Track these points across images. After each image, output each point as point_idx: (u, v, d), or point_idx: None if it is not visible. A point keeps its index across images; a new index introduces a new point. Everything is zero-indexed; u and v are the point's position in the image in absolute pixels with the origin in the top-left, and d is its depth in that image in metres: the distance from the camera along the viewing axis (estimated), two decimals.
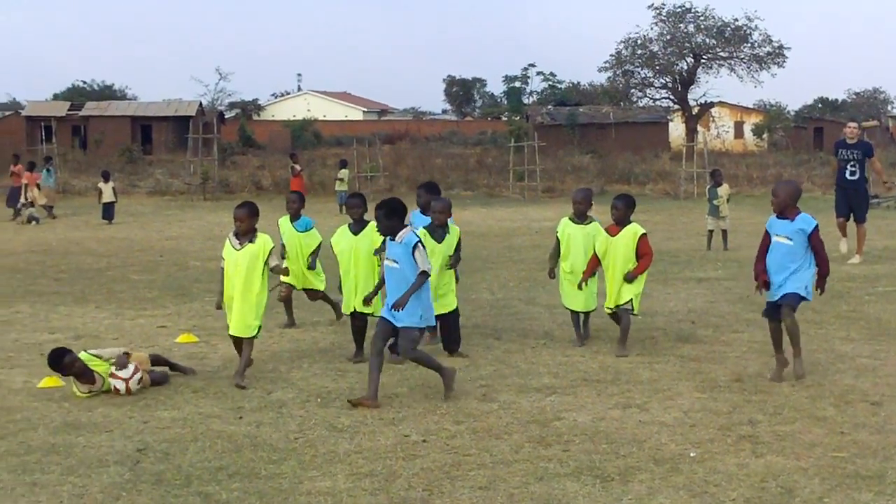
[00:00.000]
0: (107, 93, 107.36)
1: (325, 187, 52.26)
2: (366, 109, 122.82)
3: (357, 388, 12.11)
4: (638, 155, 68.56)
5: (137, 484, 9.20)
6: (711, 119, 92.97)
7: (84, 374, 12.40)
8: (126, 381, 12.37)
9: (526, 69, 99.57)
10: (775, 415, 11.10)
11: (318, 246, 16.75)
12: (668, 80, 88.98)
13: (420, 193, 15.41)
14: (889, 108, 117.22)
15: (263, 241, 12.91)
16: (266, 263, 12.79)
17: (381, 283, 12.62)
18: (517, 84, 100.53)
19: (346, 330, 14.86)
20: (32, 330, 16.68)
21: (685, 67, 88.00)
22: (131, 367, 12.49)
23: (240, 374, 12.81)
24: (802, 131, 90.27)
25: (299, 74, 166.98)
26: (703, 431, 10.54)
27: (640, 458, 9.72)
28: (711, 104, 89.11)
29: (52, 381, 12.89)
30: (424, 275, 11.81)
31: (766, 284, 12.46)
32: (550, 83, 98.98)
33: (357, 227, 14.07)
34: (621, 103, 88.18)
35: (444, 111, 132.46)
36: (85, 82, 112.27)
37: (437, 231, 14.41)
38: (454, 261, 14.52)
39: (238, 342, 13.04)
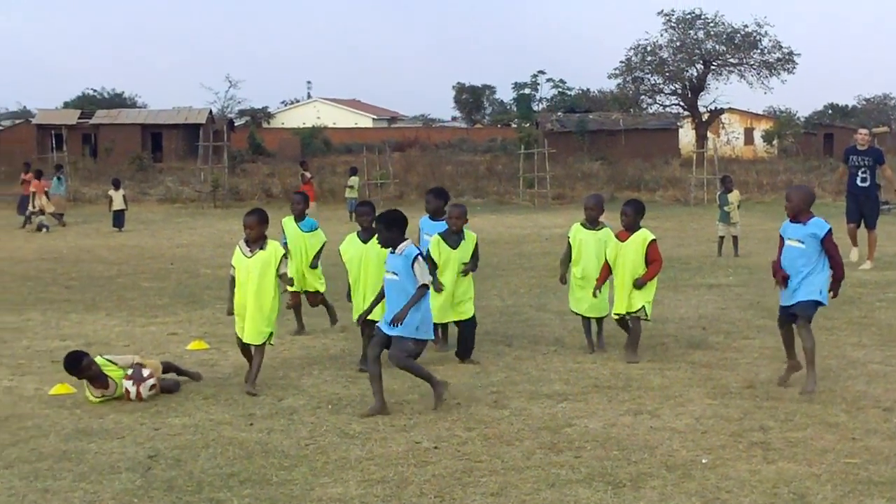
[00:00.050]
0: (117, 101, 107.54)
1: (335, 195, 52.27)
2: (375, 117, 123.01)
3: (368, 395, 12.07)
4: (648, 161, 68.59)
5: (149, 490, 9.20)
6: (721, 125, 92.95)
7: (98, 379, 12.43)
8: (140, 383, 12.38)
9: (535, 76, 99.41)
10: (787, 421, 11.08)
11: (322, 246, 16.86)
12: (677, 86, 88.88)
13: (429, 199, 15.41)
14: None
15: (274, 248, 12.92)
16: (277, 270, 12.79)
17: (381, 296, 12.51)
18: (527, 91, 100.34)
19: (357, 337, 14.87)
20: (44, 337, 16.69)
21: (695, 74, 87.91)
22: (146, 372, 12.52)
23: (251, 381, 12.81)
24: (812, 137, 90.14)
25: (309, 82, 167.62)
26: (715, 438, 10.52)
27: (652, 464, 9.71)
28: (721, 110, 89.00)
29: (63, 388, 12.91)
30: (424, 288, 11.74)
31: (785, 280, 12.35)
32: (560, 90, 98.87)
33: (366, 235, 14.03)
34: (631, 110, 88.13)
35: (454, 118, 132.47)
36: (95, 90, 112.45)
37: (452, 237, 14.41)
38: (469, 267, 14.49)
39: (246, 350, 13.03)
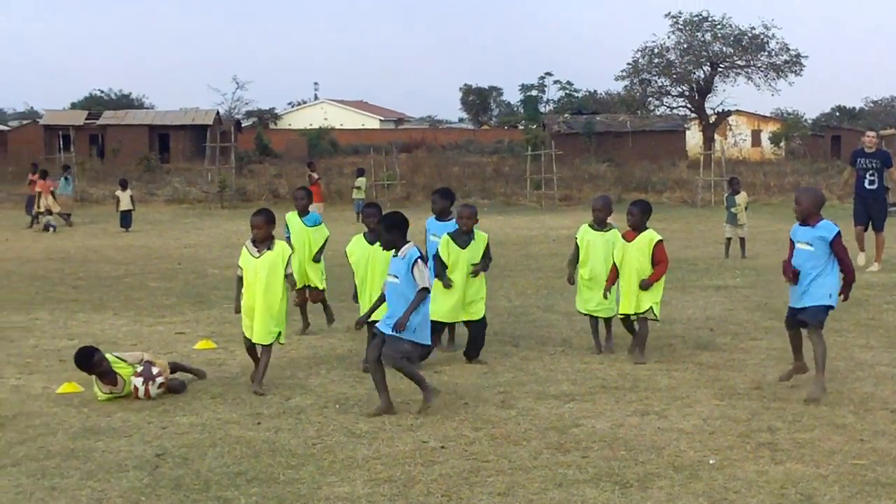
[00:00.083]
0: (124, 102, 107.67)
1: (342, 196, 52.29)
2: (382, 118, 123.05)
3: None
4: (655, 163, 68.61)
5: (157, 489, 9.21)
6: (728, 127, 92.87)
7: (108, 375, 12.47)
8: (150, 380, 12.40)
9: (542, 78, 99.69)
10: (794, 422, 11.07)
11: (326, 241, 17.00)
12: (685, 88, 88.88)
13: (435, 200, 15.39)
14: None
15: (282, 248, 12.92)
16: (285, 269, 12.78)
17: (381, 300, 12.46)
18: (534, 93, 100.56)
19: (363, 337, 14.85)
20: (51, 336, 16.71)
21: (702, 76, 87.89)
22: (156, 370, 12.54)
23: (258, 380, 12.81)
24: (820, 139, 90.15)
25: (316, 83, 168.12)
26: (723, 439, 10.52)
27: (659, 464, 9.70)
28: (728, 112, 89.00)
29: (70, 386, 12.93)
30: (424, 292, 11.71)
31: (796, 276, 12.29)
32: (567, 92, 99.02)
33: (373, 236, 14.01)
34: (638, 112, 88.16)
35: (461, 120, 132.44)
36: (102, 91, 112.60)
37: (462, 237, 14.40)
38: (479, 267, 14.46)
39: (252, 350, 13.01)
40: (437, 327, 14.46)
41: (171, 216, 47.12)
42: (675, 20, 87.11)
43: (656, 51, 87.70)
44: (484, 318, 14.57)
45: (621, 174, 62.39)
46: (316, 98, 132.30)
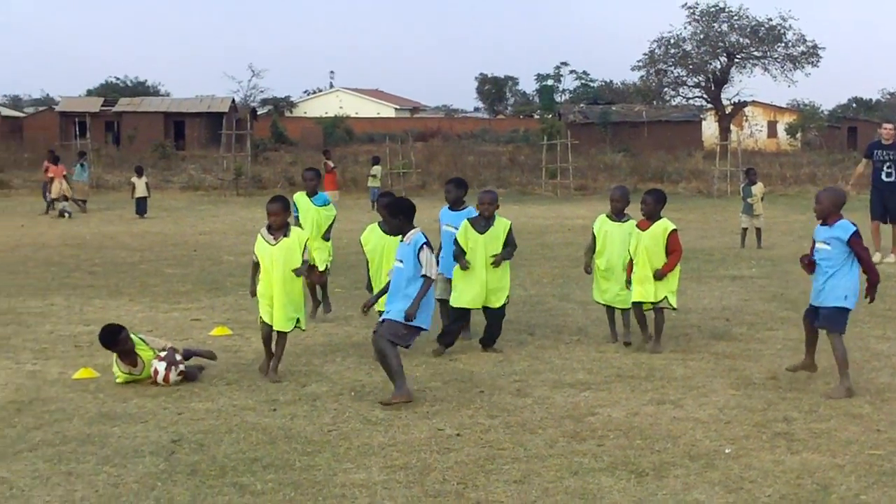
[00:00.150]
0: (140, 89, 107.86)
1: (358, 184, 52.28)
2: (398, 107, 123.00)
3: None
4: (671, 153, 68.49)
5: (172, 474, 9.22)
6: (745, 118, 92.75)
7: (129, 355, 12.54)
8: (172, 365, 12.43)
9: (558, 67, 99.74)
10: (811, 412, 11.05)
11: (334, 220, 17.08)
12: (701, 79, 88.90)
13: (449, 189, 15.25)
14: None
15: (298, 235, 12.91)
16: (302, 255, 12.75)
17: (387, 288, 12.43)
18: (550, 82, 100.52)
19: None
20: (67, 322, 16.74)
21: (718, 66, 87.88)
22: (179, 357, 12.58)
23: (273, 368, 12.81)
24: (836, 131, 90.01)
25: (332, 72, 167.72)
26: (739, 428, 10.50)
27: (675, 453, 9.69)
28: (745, 103, 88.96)
29: (86, 372, 12.96)
30: (429, 280, 11.71)
31: (812, 265, 12.23)
32: (583, 82, 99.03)
33: (388, 225, 14.00)
34: (654, 102, 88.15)
35: (477, 109, 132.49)
36: (118, 78, 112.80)
37: (481, 222, 14.37)
38: (501, 256, 14.41)
39: (269, 339, 12.95)
40: (462, 314, 14.47)
41: (187, 203, 47.15)
42: (691, 11, 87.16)
43: (673, 41, 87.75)
44: (503, 307, 14.54)
45: (637, 164, 62.30)
46: (331, 86, 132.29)
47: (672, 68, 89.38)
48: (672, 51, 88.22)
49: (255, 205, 42.49)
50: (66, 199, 39.92)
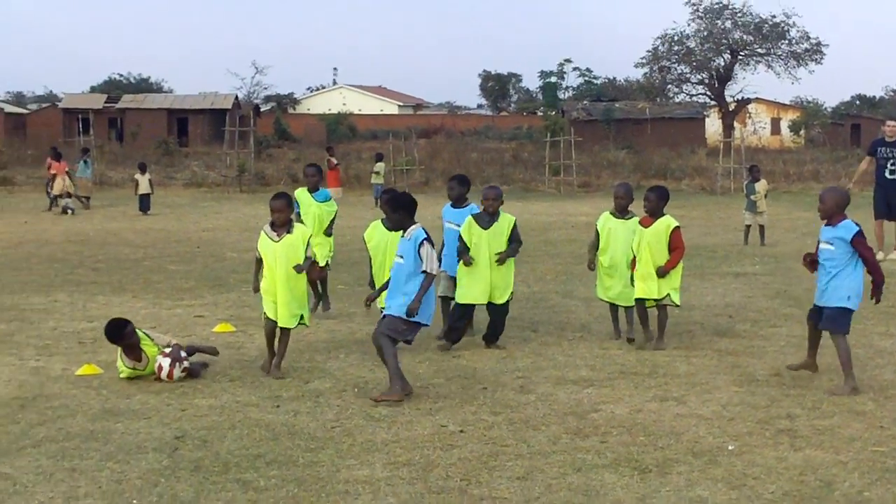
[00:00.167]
0: (143, 85, 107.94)
1: (361, 181, 52.25)
2: (401, 104, 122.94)
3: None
4: (674, 150, 68.47)
5: (176, 471, 9.23)
6: (748, 115, 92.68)
7: (134, 350, 12.57)
8: (177, 362, 12.44)
9: (562, 64, 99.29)
10: (814, 409, 11.05)
11: (335, 215, 17.13)
12: (704, 76, 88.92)
13: (452, 186, 15.23)
14: None
15: (301, 231, 12.90)
16: (305, 252, 12.73)
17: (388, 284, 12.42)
18: (553, 79, 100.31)
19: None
20: (70, 318, 16.75)
21: (722, 63, 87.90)
22: (184, 354, 12.60)
23: (276, 364, 12.81)
24: (839, 128, 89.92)
25: (335, 68, 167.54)
26: (742, 425, 10.50)
27: (678, 450, 9.70)
28: (748, 100, 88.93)
29: (90, 368, 12.97)
30: (430, 276, 11.69)
31: (813, 263, 12.21)
32: (586, 78, 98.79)
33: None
34: (657, 99, 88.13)
35: (480, 106, 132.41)
36: (121, 75, 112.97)
37: (485, 218, 14.36)
38: (505, 254, 14.39)
39: (272, 335, 12.93)
40: (467, 310, 14.47)
41: (190, 200, 47.12)
42: (695, 7, 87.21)
43: (676, 38, 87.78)
44: (507, 304, 14.53)
45: (640, 161, 62.29)
46: (335, 83, 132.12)
47: (675, 65, 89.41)
48: (675, 48, 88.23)
49: (258, 201, 42.47)
50: (69, 195, 39.91)
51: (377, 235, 14.14)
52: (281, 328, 12.80)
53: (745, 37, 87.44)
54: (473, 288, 14.27)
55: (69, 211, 38.69)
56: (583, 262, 15.95)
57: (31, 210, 40.25)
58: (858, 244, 11.76)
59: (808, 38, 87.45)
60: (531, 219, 35.90)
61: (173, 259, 24.81)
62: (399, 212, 11.95)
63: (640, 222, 14.40)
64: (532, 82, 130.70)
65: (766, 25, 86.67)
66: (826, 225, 12.03)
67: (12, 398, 11.77)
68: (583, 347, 14.36)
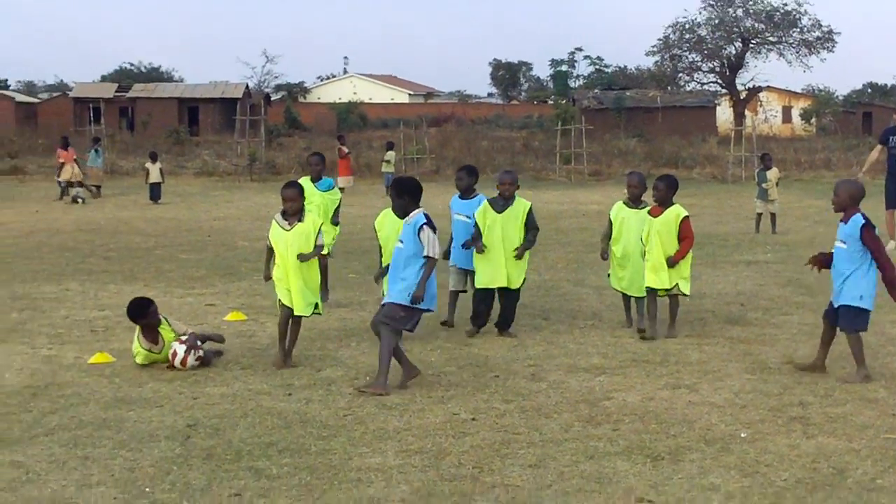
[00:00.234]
0: (154, 75, 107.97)
1: (372, 169, 52.26)
2: (411, 92, 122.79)
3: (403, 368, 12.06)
4: (685, 139, 68.36)
5: (188, 459, 9.24)
6: (759, 103, 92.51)
7: (153, 331, 12.67)
8: (192, 349, 12.47)
9: (573, 53, 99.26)
10: (826, 397, 11.04)
11: (339, 203, 17.21)
12: (715, 64, 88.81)
13: (461, 176, 15.15)
14: None
15: (312, 220, 12.87)
16: (315, 240, 12.69)
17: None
18: (564, 68, 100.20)
19: None
20: (82, 307, 16.77)
21: (733, 52, 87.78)
22: (199, 343, 12.63)
23: (288, 352, 12.80)
24: (851, 116, 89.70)
25: (346, 57, 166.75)
26: (754, 412, 10.49)
27: (691, 438, 9.69)
28: (760, 88, 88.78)
29: (102, 356, 12.99)
30: (431, 261, 11.65)
31: (819, 264, 12.18)
32: (597, 67, 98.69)
33: None
34: (668, 87, 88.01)
35: (490, 94, 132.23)
36: (132, 64, 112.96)
37: (499, 202, 14.35)
38: (522, 248, 14.36)
39: (286, 324, 12.90)
40: (487, 295, 14.46)
41: (201, 189, 47.14)
42: None
43: (687, 26, 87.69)
44: (519, 290, 14.52)
45: (651, 150, 62.22)
46: (345, 72, 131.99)
47: (687, 53, 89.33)
48: (687, 36, 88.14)
49: (269, 190, 42.50)
50: (80, 185, 39.96)
51: (388, 224, 14.11)
52: (295, 317, 12.77)
53: (756, 25, 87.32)
54: (487, 271, 14.28)
55: (80, 200, 38.75)
56: (594, 251, 15.94)
57: (42, 199, 40.31)
58: (866, 237, 11.61)
59: (820, 26, 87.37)
60: (542, 207, 35.88)
61: (184, 248, 24.82)
62: (404, 197, 11.93)
63: (649, 212, 14.36)
64: (543, 71, 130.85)
65: (778, 14, 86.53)
66: (840, 221, 11.91)
67: (24, 387, 11.79)
68: (594, 335, 14.36)
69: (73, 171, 40.27)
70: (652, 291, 14.25)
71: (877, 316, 14.82)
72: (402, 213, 12.05)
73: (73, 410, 10.81)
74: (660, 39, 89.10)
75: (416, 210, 11.81)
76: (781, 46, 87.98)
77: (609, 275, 15.23)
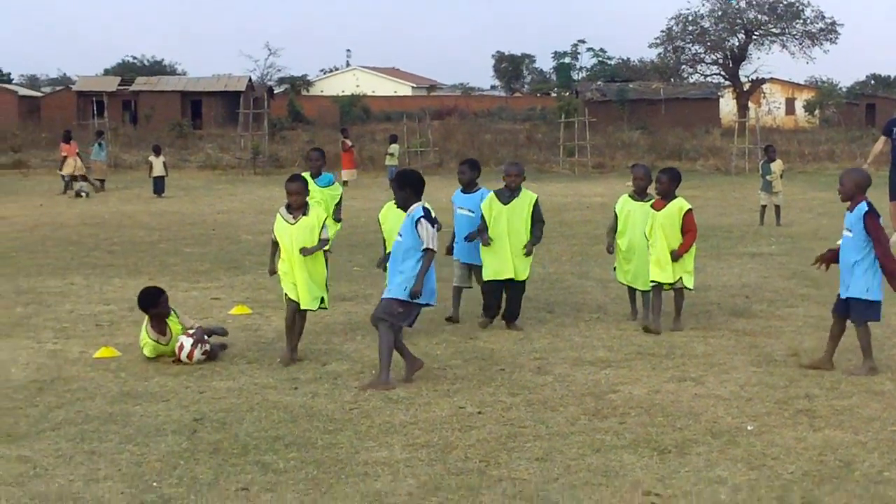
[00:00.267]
0: (157, 68, 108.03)
1: (375, 162, 52.24)
2: (414, 85, 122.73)
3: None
4: (688, 131, 68.30)
5: (195, 453, 9.24)
6: (763, 95, 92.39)
7: (162, 322, 12.73)
8: (199, 343, 12.48)
9: (576, 45, 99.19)
10: (832, 389, 11.03)
11: (341, 197, 17.11)
12: (718, 56, 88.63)
13: (463, 170, 15.09)
14: None
15: (317, 213, 12.85)
16: (320, 233, 12.67)
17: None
18: (567, 60, 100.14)
19: None
20: (87, 301, 16.77)
21: (736, 43, 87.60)
22: (206, 338, 12.65)
23: (293, 347, 12.78)
24: (854, 108, 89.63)
25: (348, 50, 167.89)
26: (760, 405, 10.49)
27: (697, 430, 9.69)
28: (763, 80, 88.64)
29: (108, 351, 13.00)
30: (429, 252, 11.59)
31: (825, 261, 12.16)
32: (600, 59, 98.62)
33: None
34: (672, 79, 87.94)
35: (493, 87, 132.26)
36: (135, 57, 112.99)
37: (505, 193, 14.34)
38: (531, 245, 14.39)
39: (293, 318, 12.86)
40: (496, 286, 14.45)
41: (205, 182, 47.14)
42: None
43: (690, 18, 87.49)
44: (524, 283, 14.52)
45: (654, 142, 62.19)
46: (348, 65, 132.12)
47: (690, 45, 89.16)
48: (690, 28, 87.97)
49: (272, 184, 42.50)
50: (84, 179, 39.97)
51: (391, 216, 14.05)
52: (303, 311, 12.76)
53: (759, 16, 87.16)
54: (496, 264, 14.28)
55: (83, 194, 38.73)
56: (598, 244, 15.94)
57: (46, 193, 40.32)
58: (869, 224, 11.55)
59: (823, 17, 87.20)
60: (546, 200, 35.76)
61: (188, 241, 24.83)
62: (405, 189, 11.92)
63: (652, 206, 14.33)
64: (546, 63, 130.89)
65: (781, 5, 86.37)
66: (847, 210, 11.87)
67: (30, 381, 11.80)
68: (600, 328, 14.35)
69: (75, 164, 40.30)
70: (657, 286, 14.24)
71: (883, 308, 14.85)
72: (403, 205, 12.04)
73: (80, 405, 10.82)
74: (663, 31, 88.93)
75: (416, 203, 11.79)
76: (784, 38, 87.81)
77: (615, 268, 15.21)
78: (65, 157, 40.63)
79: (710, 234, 23.64)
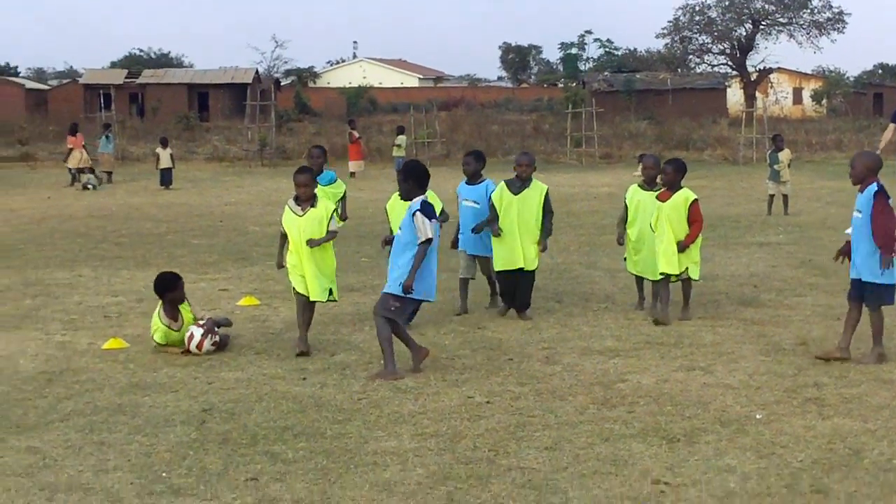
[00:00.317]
0: (163, 60, 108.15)
1: (382, 154, 52.25)
2: (421, 76, 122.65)
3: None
4: (696, 121, 68.17)
5: (204, 443, 9.25)
6: (770, 85, 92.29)
7: (175, 309, 12.79)
8: (209, 334, 12.51)
9: (582, 36, 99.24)
10: (841, 378, 11.02)
11: (344, 194, 17.06)
12: (726, 46, 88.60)
13: (468, 161, 15.10)
14: None
15: (325, 205, 12.84)
16: (328, 225, 12.66)
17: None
18: (574, 51, 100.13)
19: None
20: (95, 293, 16.78)
21: (744, 33, 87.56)
22: (216, 329, 12.67)
23: (302, 338, 12.76)
24: (862, 97, 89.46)
25: (355, 42, 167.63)
26: (769, 394, 10.49)
27: (706, 419, 9.68)
28: (770, 70, 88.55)
29: (116, 342, 13.01)
30: (422, 245, 11.50)
31: (847, 254, 12.08)
32: (607, 50, 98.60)
33: None
34: (679, 69, 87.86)
35: (500, 78, 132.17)
36: (142, 50, 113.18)
37: (516, 184, 14.34)
38: (543, 242, 14.45)
39: (303, 311, 12.85)
40: (509, 276, 14.43)
41: (212, 174, 47.13)
42: None
43: (697, 8, 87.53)
44: (534, 272, 14.51)
45: (662, 132, 62.11)
46: (355, 56, 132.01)
47: (697, 35, 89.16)
48: (697, 18, 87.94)
49: (279, 175, 42.50)
50: (91, 171, 40.00)
51: (399, 207, 14.07)
52: (312, 302, 12.75)
53: (766, 6, 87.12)
54: (506, 254, 14.27)
55: (90, 186, 38.75)
56: (606, 234, 15.95)
57: (54, 185, 40.34)
58: (876, 203, 11.48)
59: (831, 7, 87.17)
60: (553, 190, 35.57)
61: (196, 233, 24.84)
62: (409, 181, 11.89)
63: (657, 197, 14.30)
64: (552, 54, 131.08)
65: None
66: (858, 192, 11.83)
67: (39, 373, 11.81)
68: (608, 318, 14.35)
69: (81, 156, 40.37)
70: (665, 277, 14.22)
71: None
72: (407, 196, 12.03)
73: (88, 396, 10.83)
74: (670, 21, 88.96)
75: (419, 196, 11.77)
76: (792, 28, 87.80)
77: (626, 259, 15.19)
78: (70, 150, 40.68)
79: (718, 223, 23.63)
